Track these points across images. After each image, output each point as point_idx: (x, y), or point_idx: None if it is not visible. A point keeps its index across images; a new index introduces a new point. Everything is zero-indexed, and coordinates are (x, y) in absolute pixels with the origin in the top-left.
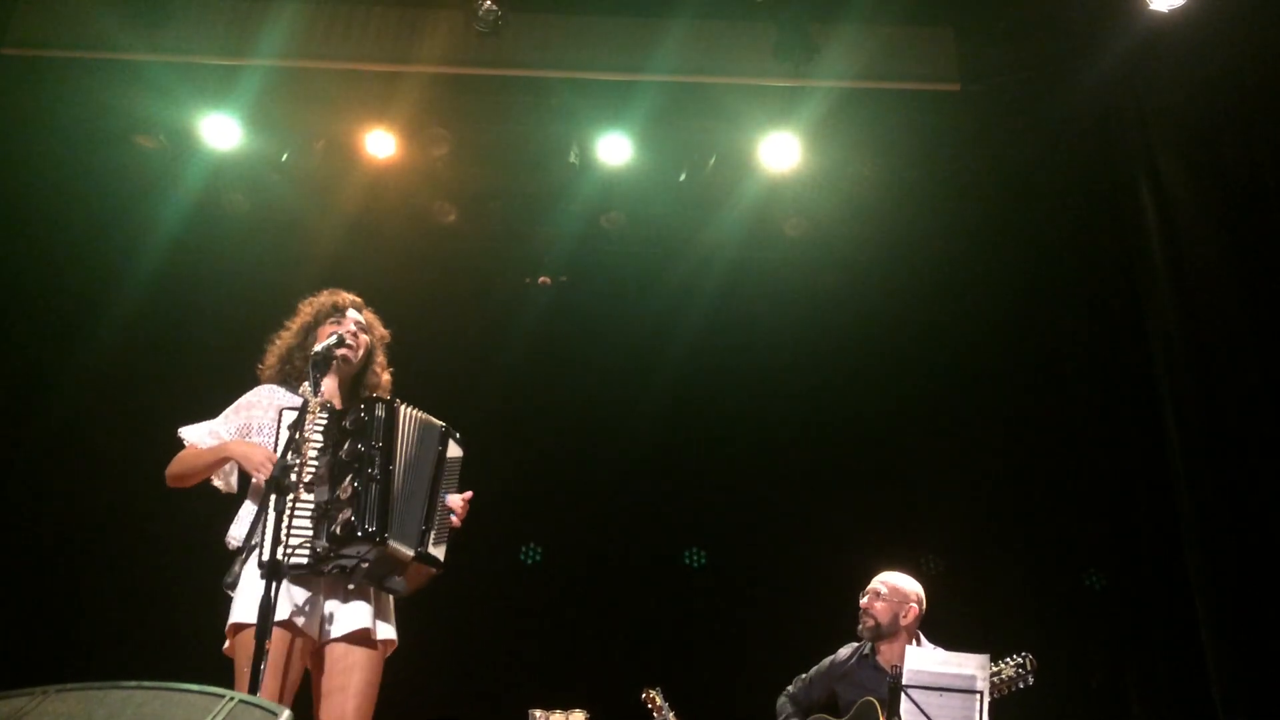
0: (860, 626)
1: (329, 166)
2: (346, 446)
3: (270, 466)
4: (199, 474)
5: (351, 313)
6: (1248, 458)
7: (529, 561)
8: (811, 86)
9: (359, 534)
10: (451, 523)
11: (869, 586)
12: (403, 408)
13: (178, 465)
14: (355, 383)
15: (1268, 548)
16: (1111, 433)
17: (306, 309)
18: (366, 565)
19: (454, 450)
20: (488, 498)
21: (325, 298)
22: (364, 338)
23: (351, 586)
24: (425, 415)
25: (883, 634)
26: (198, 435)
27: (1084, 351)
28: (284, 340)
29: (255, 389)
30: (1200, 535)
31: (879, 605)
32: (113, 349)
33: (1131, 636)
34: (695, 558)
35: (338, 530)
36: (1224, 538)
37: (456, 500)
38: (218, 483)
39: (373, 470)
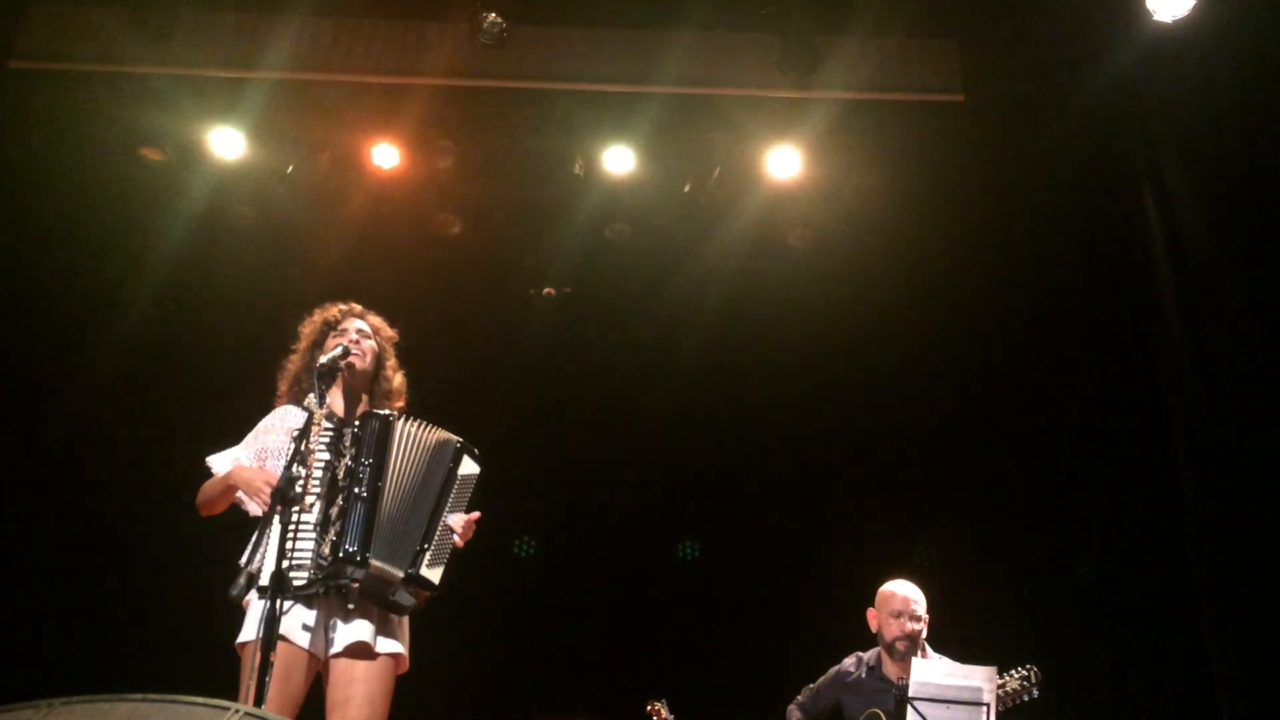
0: (899, 644)
1: (334, 179)
2: (343, 463)
3: (268, 492)
4: (215, 503)
5: (355, 322)
6: (1251, 457)
7: (522, 554)
8: (816, 98)
9: (340, 554)
10: (454, 543)
11: (911, 609)
12: (401, 422)
13: (200, 495)
14: (368, 390)
15: (1271, 544)
16: (1117, 437)
17: (305, 330)
18: (358, 585)
19: (468, 467)
20: (487, 498)
21: (318, 317)
22: (369, 343)
23: (351, 606)
24: (438, 431)
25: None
26: (221, 464)
27: (1089, 355)
28: (292, 364)
29: (272, 412)
30: (1203, 533)
31: (919, 626)
32: (118, 361)
33: (1133, 635)
34: (689, 550)
35: (325, 550)
36: (1227, 536)
37: (459, 520)
38: (248, 508)
39: (360, 489)
